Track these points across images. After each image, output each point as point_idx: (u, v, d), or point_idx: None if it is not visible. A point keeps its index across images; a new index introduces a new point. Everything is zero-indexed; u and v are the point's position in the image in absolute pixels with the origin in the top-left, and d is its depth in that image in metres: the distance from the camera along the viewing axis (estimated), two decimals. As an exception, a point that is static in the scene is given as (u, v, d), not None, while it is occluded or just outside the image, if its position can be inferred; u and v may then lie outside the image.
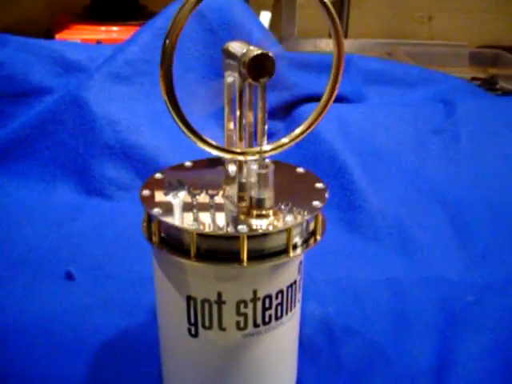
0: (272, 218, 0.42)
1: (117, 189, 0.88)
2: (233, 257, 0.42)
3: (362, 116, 0.92)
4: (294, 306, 0.48)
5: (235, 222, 0.42)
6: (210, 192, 0.46)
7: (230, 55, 0.41)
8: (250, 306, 0.45)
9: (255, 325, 0.45)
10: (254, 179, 0.42)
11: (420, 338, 0.61)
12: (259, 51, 0.39)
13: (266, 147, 0.43)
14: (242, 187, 0.44)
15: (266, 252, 0.43)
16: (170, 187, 0.47)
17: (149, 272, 0.48)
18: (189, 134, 0.41)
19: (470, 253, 0.77)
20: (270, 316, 0.46)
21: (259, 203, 0.42)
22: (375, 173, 0.87)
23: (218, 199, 0.45)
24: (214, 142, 0.42)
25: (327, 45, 1.42)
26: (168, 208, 0.44)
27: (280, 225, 0.41)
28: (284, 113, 0.94)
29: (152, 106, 0.91)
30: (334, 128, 0.90)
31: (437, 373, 0.57)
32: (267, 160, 0.42)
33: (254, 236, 0.41)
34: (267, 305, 0.45)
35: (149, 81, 0.92)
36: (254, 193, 0.42)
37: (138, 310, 0.63)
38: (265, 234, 0.42)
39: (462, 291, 0.68)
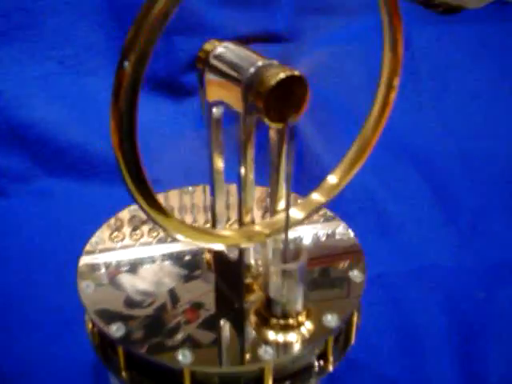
0: (303, 327, 0.26)
1: (9, 181, 0.69)
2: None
3: (306, 59, 0.76)
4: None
5: (252, 341, 0.26)
6: (191, 275, 0.29)
7: (224, 73, 0.23)
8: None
9: None
10: (273, 269, 0.26)
11: (438, 364, 0.49)
12: (287, 72, 0.22)
13: (297, 214, 0.27)
14: (249, 275, 0.27)
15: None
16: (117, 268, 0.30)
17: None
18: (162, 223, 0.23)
19: (456, 223, 0.65)
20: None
21: (285, 310, 0.26)
22: (328, 129, 0.72)
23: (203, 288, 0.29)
24: (203, 227, 0.25)
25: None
26: (135, 316, 0.27)
27: (317, 337, 0.26)
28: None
29: (41, 69, 0.70)
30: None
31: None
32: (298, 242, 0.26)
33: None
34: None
35: (32, 35, 0.71)
36: (275, 295, 0.26)
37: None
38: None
39: (466, 284, 0.56)
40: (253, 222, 0.26)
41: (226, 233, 0.26)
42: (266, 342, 0.25)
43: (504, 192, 0.70)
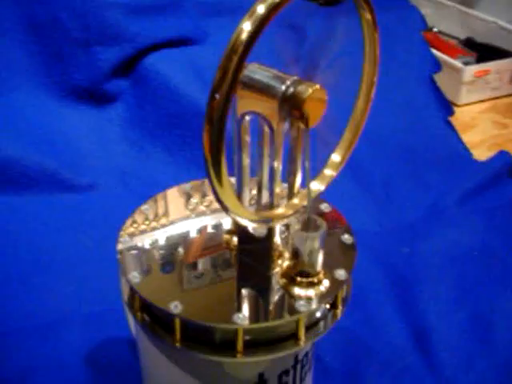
0: (324, 285, 0.33)
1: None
2: (284, 339, 0.33)
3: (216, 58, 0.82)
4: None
5: (285, 299, 0.33)
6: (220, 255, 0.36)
7: (260, 89, 0.30)
8: (291, 372, 0.37)
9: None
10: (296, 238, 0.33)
11: (383, 313, 0.58)
12: (313, 87, 0.28)
13: (318, 186, 0.34)
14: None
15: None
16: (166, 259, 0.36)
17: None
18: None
19: (371, 194, 0.74)
20: (306, 372, 0.39)
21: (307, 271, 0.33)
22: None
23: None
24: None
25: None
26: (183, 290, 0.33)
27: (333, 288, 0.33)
28: (127, 69, 0.81)
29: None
30: (192, 79, 0.79)
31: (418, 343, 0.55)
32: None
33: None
34: (305, 362, 0.38)
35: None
36: (300, 257, 0.33)
37: None
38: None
39: (392, 243, 0.66)
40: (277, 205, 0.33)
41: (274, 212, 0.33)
42: (299, 297, 0.32)
43: (403, 161, 0.80)
